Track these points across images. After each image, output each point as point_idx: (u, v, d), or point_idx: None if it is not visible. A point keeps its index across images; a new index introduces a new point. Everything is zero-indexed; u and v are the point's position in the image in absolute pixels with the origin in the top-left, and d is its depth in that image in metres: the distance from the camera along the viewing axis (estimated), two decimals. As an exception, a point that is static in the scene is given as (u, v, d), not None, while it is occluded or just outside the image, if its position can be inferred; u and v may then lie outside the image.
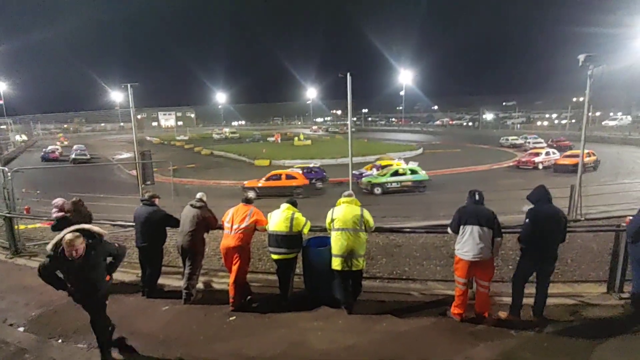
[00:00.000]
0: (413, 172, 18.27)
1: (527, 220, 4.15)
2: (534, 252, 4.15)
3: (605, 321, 4.18)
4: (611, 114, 57.86)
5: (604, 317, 4.25)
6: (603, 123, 51.63)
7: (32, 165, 29.83)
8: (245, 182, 18.71)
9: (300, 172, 19.35)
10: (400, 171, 18.39)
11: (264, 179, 18.26)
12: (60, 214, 5.56)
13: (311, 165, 21.48)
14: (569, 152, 23.85)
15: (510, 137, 38.58)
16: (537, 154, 24.67)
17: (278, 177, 18.21)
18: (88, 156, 35.67)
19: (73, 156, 34.57)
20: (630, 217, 4.38)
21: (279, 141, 50.47)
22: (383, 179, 18.00)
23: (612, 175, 19.60)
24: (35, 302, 5.06)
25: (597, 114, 56.78)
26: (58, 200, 5.85)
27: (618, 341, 3.77)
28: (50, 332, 4.31)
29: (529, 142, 34.48)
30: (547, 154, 24.67)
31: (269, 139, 54.25)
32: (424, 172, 18.55)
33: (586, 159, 21.22)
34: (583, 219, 10.18)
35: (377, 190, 17.72)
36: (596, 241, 6.91)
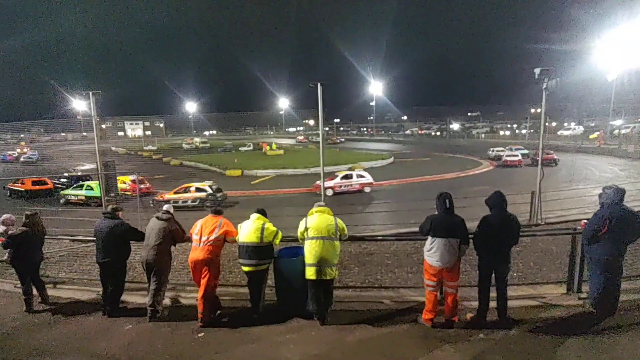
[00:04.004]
0: (89, 188, 19.32)
1: (479, 227, 4.38)
2: (488, 256, 4.37)
3: (566, 321, 4.37)
4: (565, 124, 61.85)
5: (564, 317, 4.45)
6: (558, 133, 55.13)
7: (-18, 177, 27.75)
8: (10, 184, 21.74)
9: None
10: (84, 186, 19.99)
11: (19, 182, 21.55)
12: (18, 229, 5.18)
13: (66, 174, 24.77)
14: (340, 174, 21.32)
15: (496, 149, 36.77)
16: (333, 177, 20.82)
17: (23, 182, 21.36)
18: (34, 159, 43.67)
19: (22, 159, 43.75)
20: (585, 221, 4.64)
21: (267, 148, 49.75)
22: (66, 192, 20.14)
23: (567, 182, 20.85)
24: (-15, 325, 4.67)
25: (553, 124, 60.70)
26: (10, 216, 5.47)
27: (579, 340, 3.94)
28: (4, 357, 4.00)
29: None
30: (347, 177, 20.65)
31: (241, 148, 53.62)
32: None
33: (358, 181, 19.72)
34: (543, 223, 10.71)
35: (62, 200, 19.72)
36: (555, 244, 7.26)
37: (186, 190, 18.25)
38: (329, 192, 19.56)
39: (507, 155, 31.07)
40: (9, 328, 4.61)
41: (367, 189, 20.40)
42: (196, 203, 17.57)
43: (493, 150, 36.54)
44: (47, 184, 21.87)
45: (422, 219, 4.42)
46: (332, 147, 54.14)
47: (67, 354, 4.05)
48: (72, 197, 19.29)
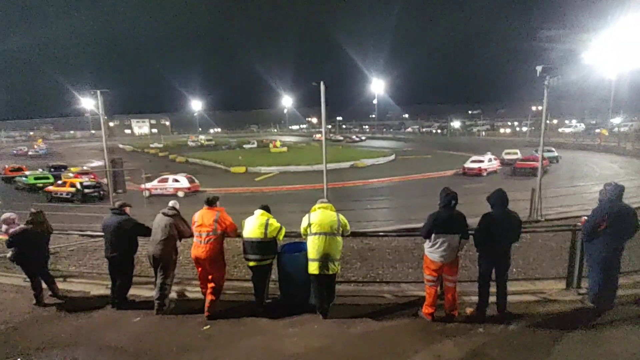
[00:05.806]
0: (27, 177, 23.39)
1: (480, 224, 4.42)
2: (489, 253, 4.44)
3: (565, 316, 4.43)
4: (567, 121, 61.51)
5: (564, 312, 4.51)
6: (560, 130, 54.83)
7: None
8: None
9: None
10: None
11: None
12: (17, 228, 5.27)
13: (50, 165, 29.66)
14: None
15: (511, 151, 29.98)
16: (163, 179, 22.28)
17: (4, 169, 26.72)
18: (40, 153, 47.77)
19: (30, 153, 48.39)
20: (585, 217, 4.69)
21: (277, 146, 49.44)
22: (17, 179, 24.30)
23: (568, 179, 20.80)
24: (-7, 318, 4.78)
25: (554, 121, 60.44)
26: (10, 215, 5.55)
27: (577, 334, 4.00)
28: (10, 351, 4.06)
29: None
30: (164, 180, 21.69)
31: (245, 146, 53.73)
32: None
33: (172, 185, 20.61)
34: (543, 219, 10.76)
35: (14, 185, 24.12)
36: (555, 240, 7.32)
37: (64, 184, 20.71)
38: (146, 193, 20.47)
39: (470, 161, 25.31)
40: (17, 322, 4.71)
41: (180, 194, 20.95)
42: (69, 196, 19.77)
43: (508, 153, 29.31)
44: (22, 170, 27.69)
45: (422, 215, 4.47)
46: (335, 145, 54.08)
47: (77, 345, 4.16)
48: (19, 184, 23.88)
